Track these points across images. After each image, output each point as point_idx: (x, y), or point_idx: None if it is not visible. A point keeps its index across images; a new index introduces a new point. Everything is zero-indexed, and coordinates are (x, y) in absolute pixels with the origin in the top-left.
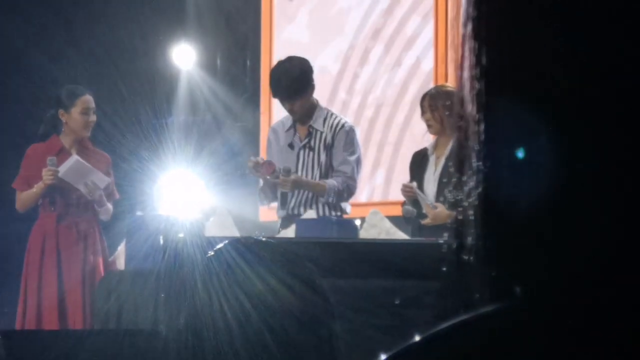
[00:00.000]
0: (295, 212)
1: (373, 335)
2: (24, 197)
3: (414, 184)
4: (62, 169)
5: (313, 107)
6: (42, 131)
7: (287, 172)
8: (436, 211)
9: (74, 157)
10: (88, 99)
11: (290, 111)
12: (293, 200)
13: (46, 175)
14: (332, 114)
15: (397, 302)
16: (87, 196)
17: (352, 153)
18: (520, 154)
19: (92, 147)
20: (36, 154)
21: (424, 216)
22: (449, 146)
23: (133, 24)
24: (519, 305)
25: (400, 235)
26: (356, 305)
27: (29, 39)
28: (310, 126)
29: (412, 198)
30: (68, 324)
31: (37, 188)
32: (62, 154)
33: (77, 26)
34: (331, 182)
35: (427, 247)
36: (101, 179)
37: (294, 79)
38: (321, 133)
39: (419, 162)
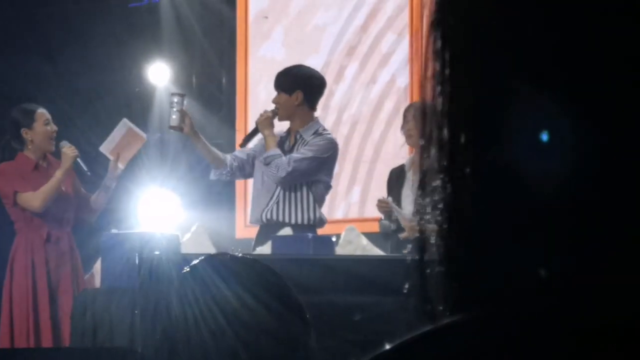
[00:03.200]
0: (268, 217)
1: (350, 352)
2: (46, 190)
3: (389, 199)
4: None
5: (307, 118)
6: (2, 155)
7: None
8: (413, 224)
9: (125, 120)
10: (43, 111)
11: (275, 103)
12: (266, 205)
13: (69, 150)
14: (324, 130)
15: (372, 317)
16: (113, 171)
17: (312, 151)
18: (545, 136)
19: (56, 160)
20: (10, 170)
21: (402, 230)
22: None
23: (108, 41)
24: (486, 315)
25: (377, 251)
26: (332, 322)
27: (3, 56)
28: (299, 133)
29: (389, 213)
30: (61, 341)
31: (59, 172)
32: (38, 170)
33: (52, 43)
34: (279, 151)
35: (403, 263)
36: (140, 138)
37: (286, 74)
38: (305, 141)
39: (395, 178)
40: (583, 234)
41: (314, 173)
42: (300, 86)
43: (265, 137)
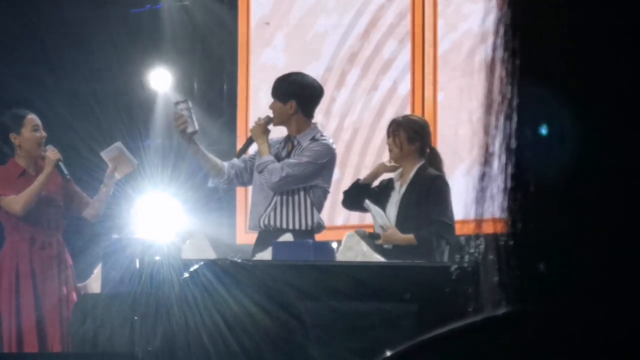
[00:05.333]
0: (266, 223)
1: (349, 358)
2: (27, 193)
3: (367, 202)
4: (108, 152)
5: (304, 124)
6: None
7: None
8: (388, 233)
9: (119, 144)
10: (33, 117)
11: (272, 110)
12: (264, 211)
13: (52, 154)
14: (322, 135)
15: (372, 324)
16: (110, 178)
17: (307, 157)
18: (543, 130)
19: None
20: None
21: (377, 236)
22: (410, 174)
23: (110, 47)
24: (528, 311)
25: (377, 258)
26: (332, 328)
27: (3, 61)
28: (296, 139)
29: (374, 175)
30: (47, 347)
31: (41, 176)
32: (25, 176)
33: (53, 49)
34: (274, 158)
35: (403, 270)
36: (130, 164)
37: (281, 83)
38: (303, 147)
39: (384, 188)
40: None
41: (310, 178)
42: (294, 96)
43: (258, 145)
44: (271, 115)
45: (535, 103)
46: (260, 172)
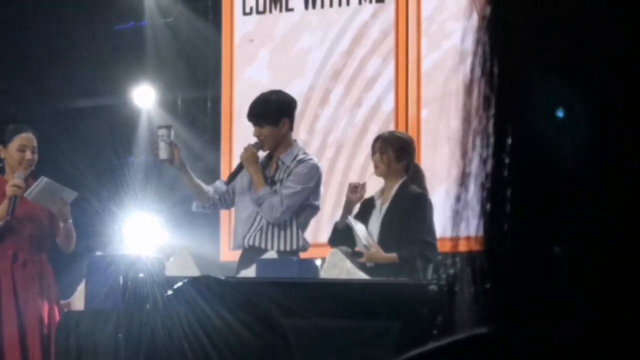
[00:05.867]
0: (251, 243)
1: None
2: None
3: (350, 218)
4: (31, 192)
5: (287, 143)
6: None
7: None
8: (371, 252)
9: (44, 179)
10: (27, 137)
11: (258, 137)
12: (248, 231)
13: (10, 187)
14: (305, 153)
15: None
16: (56, 213)
17: (300, 183)
18: (560, 113)
19: (58, 185)
20: None
21: (359, 255)
22: (392, 191)
23: (94, 63)
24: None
25: (361, 275)
26: (316, 345)
27: None
28: (280, 159)
29: (360, 198)
30: None
31: (3, 205)
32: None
33: (37, 64)
34: (269, 189)
35: (387, 287)
36: (70, 194)
37: (268, 107)
38: (287, 167)
39: (366, 208)
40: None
41: (304, 203)
42: (286, 114)
43: (252, 176)
44: (255, 140)
45: (514, 122)
46: (259, 205)
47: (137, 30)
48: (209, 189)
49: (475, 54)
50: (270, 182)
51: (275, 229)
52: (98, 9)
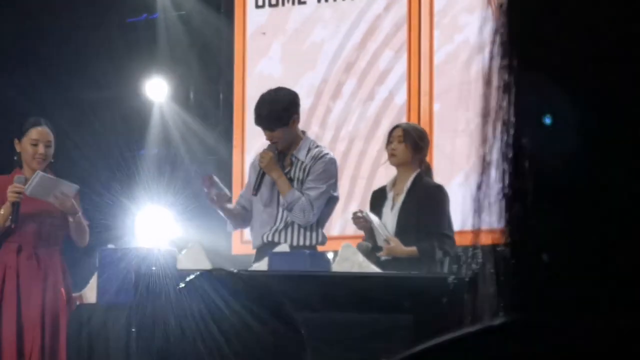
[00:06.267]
0: (270, 239)
1: None
2: None
3: (365, 212)
4: (28, 187)
5: (297, 138)
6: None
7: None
8: (391, 246)
9: (39, 173)
10: (41, 130)
11: (270, 140)
12: (269, 230)
13: (10, 193)
14: (317, 146)
15: (368, 335)
16: (59, 207)
17: (323, 182)
18: (543, 138)
19: (55, 178)
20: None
21: (379, 249)
22: (407, 183)
23: (106, 56)
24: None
25: (373, 268)
26: (329, 339)
27: None
28: (293, 156)
29: (367, 227)
30: (24, 357)
31: (3, 209)
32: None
33: (49, 58)
34: (297, 191)
35: (399, 281)
36: (69, 187)
37: (275, 108)
38: (302, 163)
39: (377, 199)
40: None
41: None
42: (293, 110)
43: (276, 181)
44: (269, 142)
45: (534, 110)
46: (290, 210)
47: (150, 23)
48: (238, 210)
49: (493, 42)
50: (289, 180)
51: (296, 226)
52: (111, 2)
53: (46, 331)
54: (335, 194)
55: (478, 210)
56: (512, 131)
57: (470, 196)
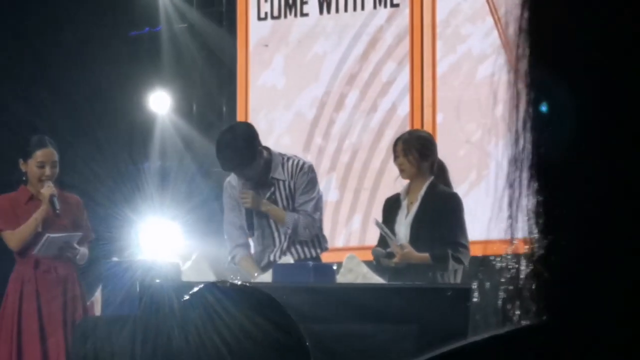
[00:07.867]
0: (277, 258)
1: None
2: (22, 231)
3: (381, 223)
4: (37, 249)
5: (268, 162)
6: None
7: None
8: (404, 252)
9: (46, 236)
10: (46, 152)
11: (245, 179)
12: (272, 251)
13: (47, 189)
14: (288, 158)
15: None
16: (71, 259)
17: (312, 190)
18: (544, 108)
19: (61, 192)
20: (6, 204)
21: (393, 256)
22: (421, 191)
23: (109, 69)
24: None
25: (377, 279)
26: (333, 350)
27: (4, 84)
28: (271, 177)
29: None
30: None
31: (37, 214)
32: (32, 202)
33: (53, 70)
34: (291, 213)
35: (403, 292)
36: (73, 237)
37: (239, 152)
38: (283, 182)
39: (390, 207)
40: None
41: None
42: (256, 141)
43: (269, 212)
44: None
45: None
46: (295, 232)
47: (153, 36)
48: (248, 255)
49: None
50: (272, 202)
51: (298, 244)
52: (114, 15)
53: (68, 340)
54: (320, 193)
55: (511, 218)
56: (539, 133)
57: (495, 203)
